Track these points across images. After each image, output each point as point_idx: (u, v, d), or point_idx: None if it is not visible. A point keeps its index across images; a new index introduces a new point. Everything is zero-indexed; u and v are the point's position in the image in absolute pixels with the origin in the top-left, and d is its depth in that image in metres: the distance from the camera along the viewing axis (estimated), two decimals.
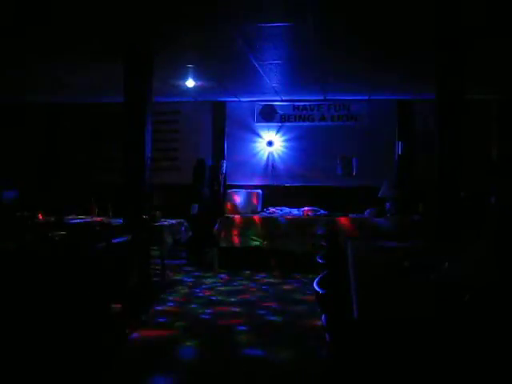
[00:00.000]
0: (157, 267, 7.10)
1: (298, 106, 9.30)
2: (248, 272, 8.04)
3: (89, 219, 7.23)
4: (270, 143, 9.38)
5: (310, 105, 9.27)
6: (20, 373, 3.68)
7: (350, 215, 8.31)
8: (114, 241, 4.64)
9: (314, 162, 9.23)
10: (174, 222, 7.37)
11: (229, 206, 8.66)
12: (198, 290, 6.82)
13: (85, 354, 4.05)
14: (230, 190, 9.07)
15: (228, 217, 8.40)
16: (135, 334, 4.81)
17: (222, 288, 7.01)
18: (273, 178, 9.38)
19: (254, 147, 9.47)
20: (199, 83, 7.76)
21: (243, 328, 5.16)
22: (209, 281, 7.46)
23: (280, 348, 4.57)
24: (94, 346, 4.21)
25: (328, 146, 9.21)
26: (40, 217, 7.20)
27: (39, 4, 4.55)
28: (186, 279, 7.53)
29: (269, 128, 9.42)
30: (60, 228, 6.19)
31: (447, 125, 5.47)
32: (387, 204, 8.40)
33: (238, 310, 5.89)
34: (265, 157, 9.44)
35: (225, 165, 9.32)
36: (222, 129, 9.55)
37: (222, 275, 7.87)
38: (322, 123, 9.26)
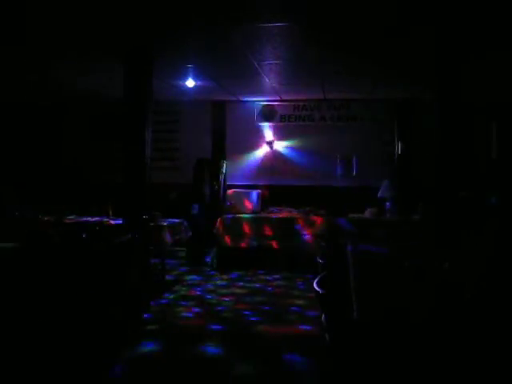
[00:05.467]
0: (157, 267, 7.10)
1: (298, 105, 9.30)
2: (248, 272, 8.04)
3: (89, 219, 7.23)
4: (270, 143, 9.37)
5: (309, 105, 9.27)
6: (19, 373, 3.68)
7: (350, 215, 8.32)
8: (114, 241, 4.64)
9: (314, 161, 9.23)
10: (173, 221, 7.37)
11: (229, 205, 8.65)
12: (197, 290, 6.82)
13: (84, 353, 4.05)
14: (229, 190, 9.07)
15: (228, 217, 8.40)
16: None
17: (222, 288, 7.00)
18: (273, 177, 9.38)
19: (254, 147, 9.47)
20: (199, 83, 7.75)
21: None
22: (208, 281, 7.46)
23: (279, 348, 4.58)
24: (93, 345, 4.21)
25: (328, 146, 9.21)
26: (40, 217, 7.19)
27: (40, 4, 4.55)
28: (185, 279, 7.52)
29: (269, 128, 9.42)
30: (60, 228, 6.19)
31: (447, 125, 5.48)
32: (387, 204, 8.40)
33: (237, 309, 5.90)
34: (265, 157, 9.44)
35: (225, 165, 9.32)
36: (222, 129, 9.55)
37: (222, 275, 7.86)
38: (322, 123, 9.26)
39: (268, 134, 9.41)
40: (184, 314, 5.67)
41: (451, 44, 5.43)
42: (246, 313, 5.75)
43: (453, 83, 5.48)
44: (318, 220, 8.18)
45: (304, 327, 5.21)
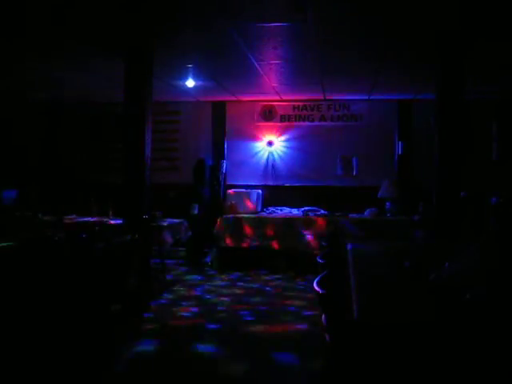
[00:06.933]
0: (157, 267, 7.10)
1: (298, 105, 9.30)
2: (248, 272, 8.04)
3: (89, 219, 7.23)
4: (270, 143, 9.37)
5: (310, 105, 9.26)
6: (19, 373, 3.68)
7: (350, 215, 8.32)
8: (114, 241, 4.63)
9: (314, 162, 9.22)
10: (173, 221, 7.37)
11: (229, 205, 8.65)
12: (197, 290, 6.82)
13: (85, 354, 4.05)
14: (229, 190, 9.07)
15: (228, 217, 8.40)
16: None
17: (222, 288, 7.00)
18: (273, 178, 9.38)
19: (254, 147, 9.47)
20: (199, 83, 7.75)
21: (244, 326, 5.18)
22: (208, 281, 7.46)
23: (280, 348, 4.58)
24: (93, 346, 4.20)
25: (328, 146, 9.21)
26: (40, 217, 7.19)
27: (39, 3, 4.55)
28: (185, 279, 7.52)
29: (269, 128, 9.41)
30: (60, 228, 6.18)
31: (447, 125, 5.47)
32: (387, 204, 8.40)
33: (237, 310, 5.89)
34: (265, 157, 9.43)
35: (225, 165, 9.32)
36: (221, 129, 9.54)
37: (222, 275, 7.86)
38: (322, 123, 9.25)
39: (268, 134, 9.40)
40: (182, 314, 5.68)
41: (452, 42, 5.42)
42: (243, 313, 5.75)
43: (453, 82, 5.47)
44: (319, 220, 8.18)
45: (300, 326, 5.22)
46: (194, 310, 5.88)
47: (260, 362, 4.25)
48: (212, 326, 5.22)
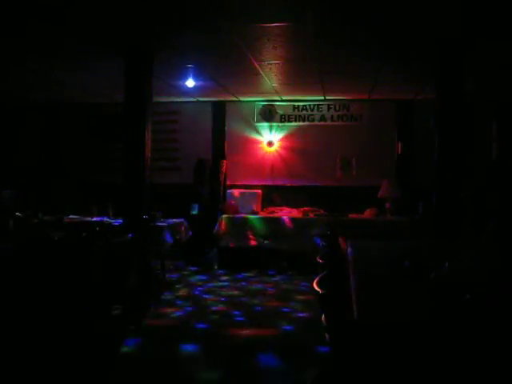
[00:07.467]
0: (157, 267, 7.10)
1: (298, 106, 9.30)
2: (247, 272, 8.05)
3: (89, 219, 7.23)
4: (270, 143, 9.37)
5: (310, 105, 9.26)
6: (18, 375, 3.67)
7: (350, 215, 8.32)
8: (114, 241, 4.63)
9: (314, 162, 9.22)
10: (174, 221, 7.37)
11: (229, 205, 8.65)
12: (198, 290, 6.82)
13: (84, 355, 4.05)
14: (229, 190, 9.07)
15: (228, 217, 8.40)
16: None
17: (222, 288, 7.01)
18: (273, 178, 9.38)
19: (254, 147, 9.46)
20: (199, 83, 7.75)
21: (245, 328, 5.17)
22: (209, 281, 7.46)
23: (281, 347, 4.58)
24: (93, 347, 4.20)
25: (328, 146, 9.21)
26: (40, 217, 7.19)
27: (39, 3, 4.55)
28: (185, 279, 7.53)
29: (269, 128, 9.41)
30: (60, 228, 6.18)
31: (447, 125, 5.48)
32: (387, 204, 8.40)
33: (238, 309, 5.89)
34: (265, 157, 9.43)
35: (225, 165, 9.32)
36: (221, 129, 9.54)
37: (222, 275, 7.87)
38: (322, 123, 9.25)
39: (268, 134, 9.40)
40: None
41: (452, 43, 5.43)
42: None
43: (453, 82, 5.47)
44: (318, 220, 8.18)
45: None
46: (190, 309, 5.88)
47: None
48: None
